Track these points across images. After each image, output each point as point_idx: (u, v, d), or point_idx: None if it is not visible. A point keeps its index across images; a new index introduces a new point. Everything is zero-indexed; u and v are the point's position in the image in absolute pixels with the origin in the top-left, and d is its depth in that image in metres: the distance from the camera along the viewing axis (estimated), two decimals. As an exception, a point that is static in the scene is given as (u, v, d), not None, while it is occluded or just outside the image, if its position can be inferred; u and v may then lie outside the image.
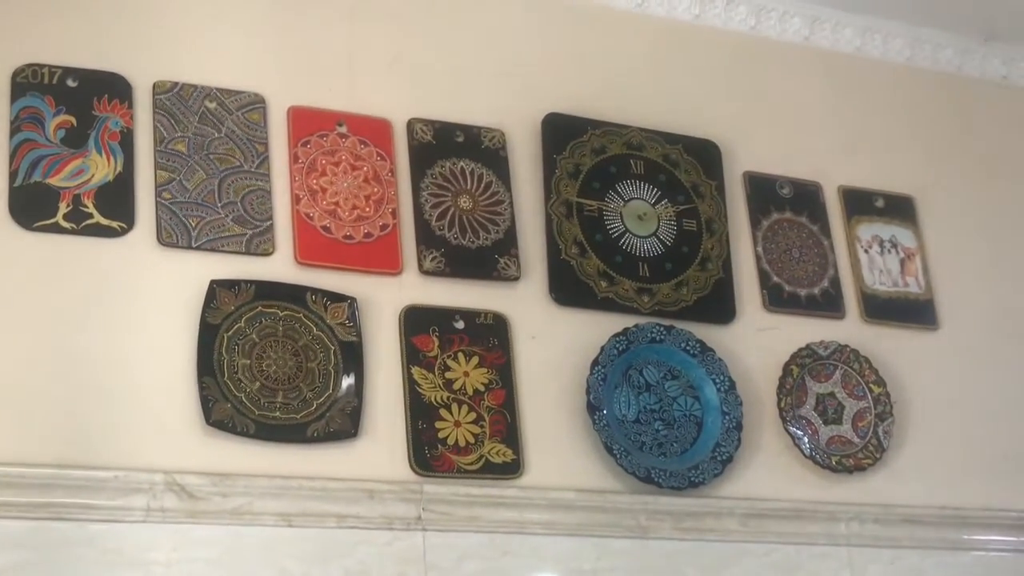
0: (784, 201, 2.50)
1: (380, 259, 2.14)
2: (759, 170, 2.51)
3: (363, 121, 2.22)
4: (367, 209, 2.17)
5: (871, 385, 2.38)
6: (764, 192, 2.49)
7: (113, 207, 2.02)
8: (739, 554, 2.18)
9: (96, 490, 1.84)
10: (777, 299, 2.41)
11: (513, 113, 2.33)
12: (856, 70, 2.69)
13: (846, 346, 2.39)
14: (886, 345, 2.44)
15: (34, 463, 1.83)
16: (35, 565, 1.78)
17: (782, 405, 2.31)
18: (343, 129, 2.20)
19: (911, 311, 2.51)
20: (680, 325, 2.28)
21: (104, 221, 2.01)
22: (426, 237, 2.18)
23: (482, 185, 2.27)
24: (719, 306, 2.36)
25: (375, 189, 2.19)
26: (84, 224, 1.99)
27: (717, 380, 2.26)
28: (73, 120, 2.05)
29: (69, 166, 2.03)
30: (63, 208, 1.99)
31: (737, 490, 2.22)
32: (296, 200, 2.13)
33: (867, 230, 2.55)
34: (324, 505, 1.94)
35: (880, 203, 2.58)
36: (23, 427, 1.85)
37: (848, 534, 2.26)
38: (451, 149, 2.26)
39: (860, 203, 2.56)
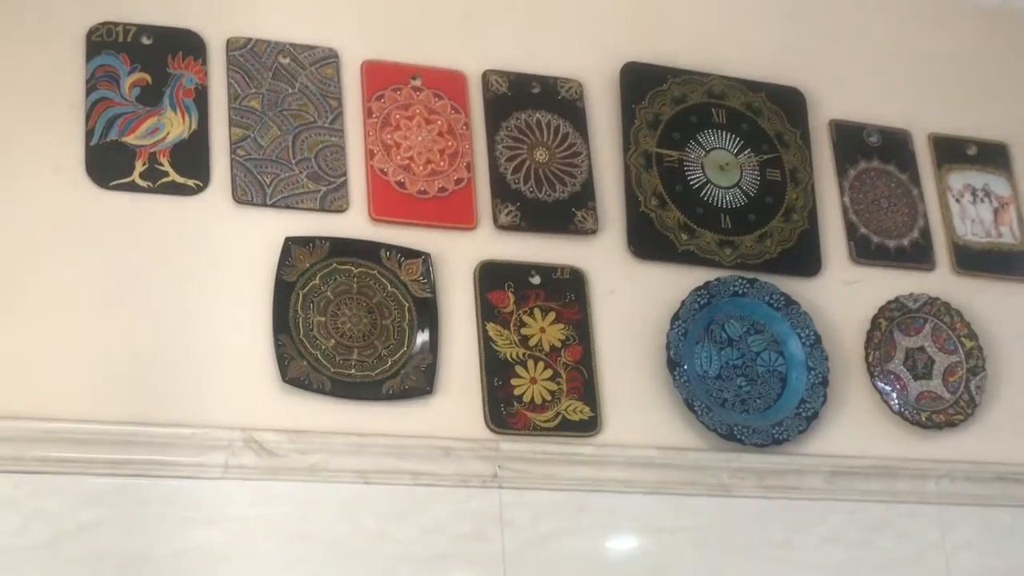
0: (872, 149, 2.43)
1: (455, 214, 2.12)
2: (846, 118, 2.43)
3: (437, 74, 2.19)
4: (441, 163, 2.14)
5: (963, 339, 2.31)
6: (851, 140, 2.42)
7: (188, 165, 2.01)
8: (824, 512, 2.14)
9: (174, 447, 1.85)
10: (865, 251, 2.35)
11: (590, 63, 2.28)
12: (948, 12, 2.58)
13: (936, 299, 2.32)
14: (979, 298, 2.36)
15: (113, 420, 1.84)
16: (114, 522, 1.80)
17: (870, 360, 2.25)
18: (417, 82, 2.18)
19: (1005, 262, 2.43)
20: (764, 278, 2.22)
21: (179, 179, 2.00)
22: (501, 191, 2.15)
23: (559, 137, 2.23)
24: (804, 258, 2.30)
25: (450, 143, 2.16)
26: (160, 182, 1.99)
27: (802, 334, 2.21)
28: (148, 78, 2.04)
29: (144, 124, 2.03)
30: (139, 166, 1.99)
31: (823, 447, 2.17)
32: (370, 155, 2.11)
33: (959, 179, 2.46)
34: (400, 462, 1.93)
35: (972, 151, 2.50)
36: (102, 385, 1.87)
37: (938, 492, 2.20)
38: (527, 101, 2.23)
39: (951, 151, 2.48)
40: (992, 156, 2.51)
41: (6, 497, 1.76)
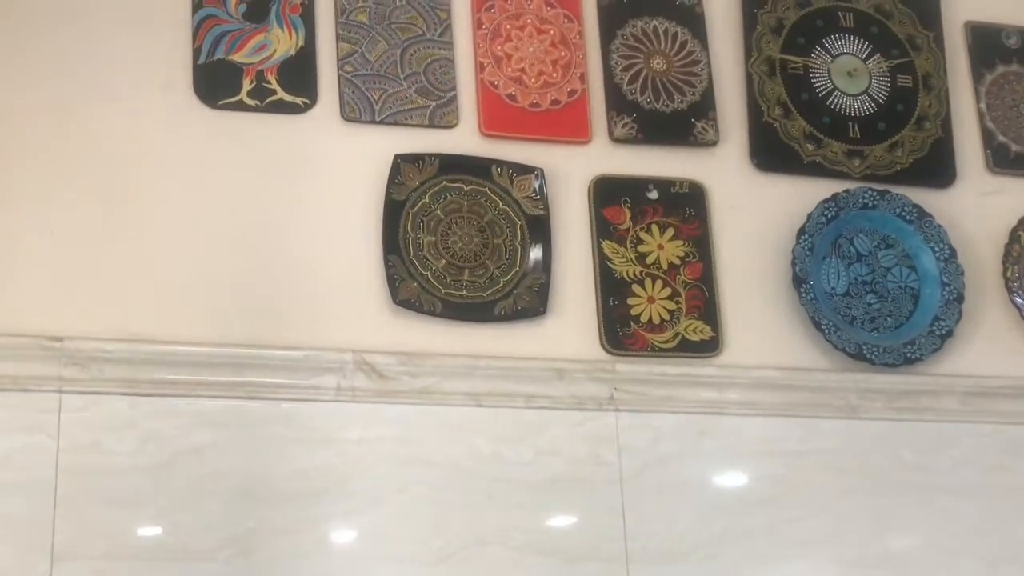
0: (1011, 52, 2.31)
1: (568, 127, 2.05)
2: (982, 19, 2.32)
3: (550, -18, 2.13)
4: (554, 75, 2.07)
5: (1109, 250, 2.19)
6: (988, 43, 2.30)
7: (296, 83, 1.98)
8: (958, 435, 2.06)
9: (288, 369, 1.84)
10: (1003, 160, 2.23)
11: (710, -34, 2.20)
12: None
13: (1081, 211, 2.20)
14: None
15: (225, 343, 1.83)
16: (231, 443, 1.80)
17: (1008, 275, 2.14)
18: (529, -9, 2.11)
19: None
20: (895, 190, 2.13)
21: (287, 97, 1.97)
22: (617, 102, 2.08)
23: (676, 44, 2.14)
24: (938, 168, 2.20)
25: (562, 53, 2.09)
26: (268, 101, 1.96)
27: (936, 248, 2.11)
28: (254, -6, 2.02)
29: (252, 41, 2.00)
30: (247, 85, 1.97)
31: (957, 367, 2.08)
32: (480, 68, 2.05)
33: (1106, 80, 2.33)
34: (513, 385, 1.90)
35: (1122, 49, 2.36)
36: (216, 307, 1.86)
37: (1080, 411, 2.10)
38: (643, 7, 2.14)
39: (1098, 51, 2.34)
40: None
41: (123, 418, 1.77)
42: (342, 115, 1.98)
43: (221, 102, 1.95)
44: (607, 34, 2.12)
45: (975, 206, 2.20)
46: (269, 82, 1.98)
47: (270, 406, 1.83)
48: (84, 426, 1.76)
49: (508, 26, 2.08)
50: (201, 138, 1.93)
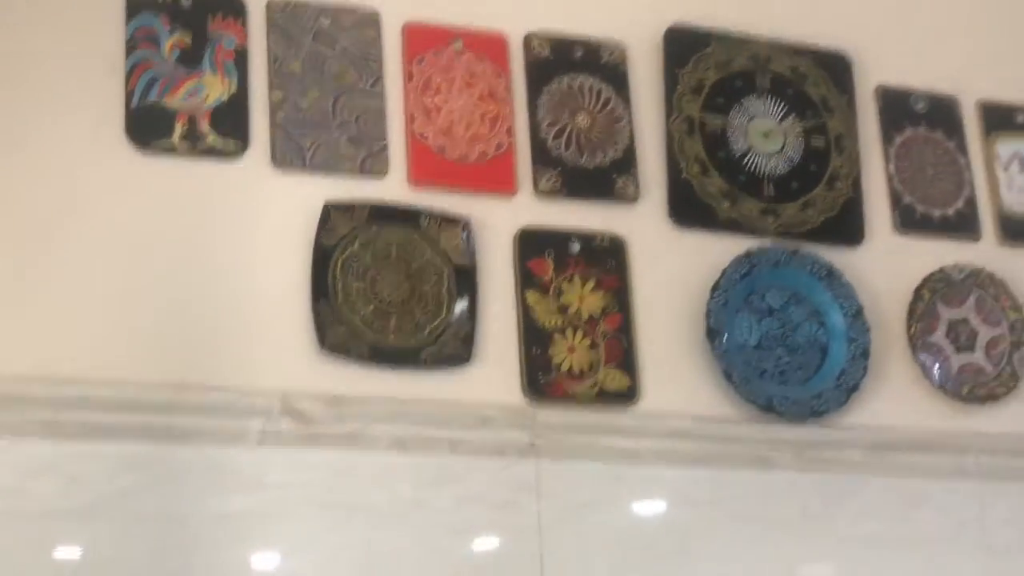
0: (918, 116, 2.39)
1: (495, 180, 2.10)
2: (892, 83, 2.40)
3: (479, 37, 2.16)
4: (482, 128, 2.12)
5: (1007, 311, 2.28)
6: (897, 106, 2.39)
7: (228, 128, 2.00)
8: (863, 485, 2.12)
9: (212, 412, 1.85)
10: (909, 220, 2.32)
11: (634, 26, 2.25)
12: (996, -24, 2.54)
13: (981, 269, 2.29)
14: (1024, 269, 2.34)
15: (151, 385, 1.84)
16: (155, 486, 1.80)
17: (912, 332, 2.22)
18: (459, 45, 2.15)
19: (1052, 233, 2.40)
20: (806, 247, 2.20)
21: (219, 142, 1.99)
22: (542, 156, 2.13)
23: (601, 102, 2.20)
24: (847, 227, 2.27)
25: (491, 107, 2.14)
26: (200, 145, 1.98)
27: (844, 305, 2.19)
28: (187, 39, 2.03)
29: (184, 86, 2.01)
30: (179, 129, 1.98)
31: (862, 420, 2.15)
32: (410, 120, 2.09)
33: (1007, 147, 2.42)
34: (437, 431, 1.93)
35: (1021, 118, 2.45)
36: (142, 351, 1.86)
37: (978, 466, 2.18)
38: (569, 65, 2.20)
39: (1000, 118, 2.43)
40: (1042, 124, 2.47)
41: (46, 461, 1.76)
42: (273, 161, 2.00)
43: (153, 146, 1.96)
44: (534, 90, 2.17)
45: (882, 265, 2.27)
46: (201, 127, 1.99)
47: (195, 450, 1.83)
48: (6, 469, 1.74)
49: (438, 79, 2.13)
50: (131, 181, 1.94)
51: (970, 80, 2.44)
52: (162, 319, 1.89)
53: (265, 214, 1.99)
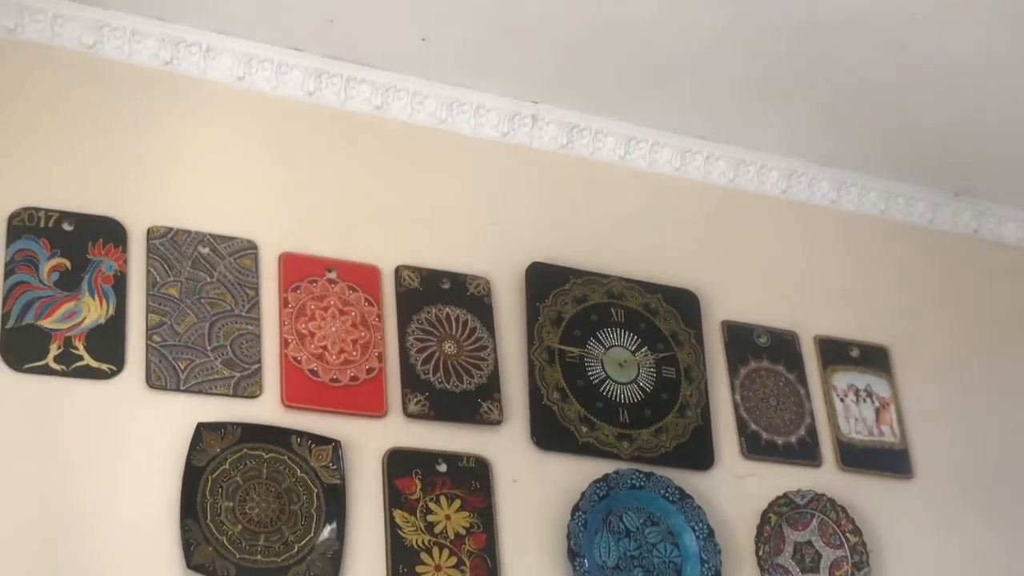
0: (761, 350, 2.55)
1: (365, 402, 2.17)
2: (737, 319, 2.56)
3: (352, 267, 2.27)
4: (354, 353, 2.20)
5: (848, 534, 2.39)
6: (742, 341, 2.54)
7: (104, 349, 2.05)
8: None
9: (76, 633, 1.84)
10: (755, 447, 2.44)
11: (498, 261, 2.39)
12: (832, 222, 2.75)
13: (823, 495, 2.41)
14: (862, 494, 2.46)
15: (15, 605, 1.83)
16: None
17: (760, 553, 2.32)
18: (333, 275, 2.25)
19: (886, 460, 2.54)
20: (659, 471, 2.30)
21: (94, 363, 2.03)
22: (411, 381, 2.22)
23: (467, 331, 2.31)
24: (698, 453, 2.39)
25: (362, 333, 2.23)
26: (74, 366, 2.02)
27: (696, 528, 2.27)
28: (67, 263, 2.09)
29: (61, 308, 2.06)
30: (54, 350, 2.02)
31: (726, 638, 2.22)
32: (284, 344, 2.16)
33: (843, 379, 2.59)
34: (304, 650, 1.94)
35: (855, 353, 2.63)
36: (5, 568, 1.85)
37: None
38: (437, 295, 2.32)
39: (836, 352, 2.61)
40: (873, 358, 2.64)
41: None
42: (147, 382, 2.05)
43: (27, 366, 1.99)
44: (404, 318, 2.27)
45: (731, 488, 2.37)
46: (76, 348, 2.03)
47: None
48: None
49: (313, 306, 2.22)
50: (4, 401, 1.96)
51: (808, 317, 2.62)
52: (27, 538, 1.89)
53: (138, 434, 2.02)
